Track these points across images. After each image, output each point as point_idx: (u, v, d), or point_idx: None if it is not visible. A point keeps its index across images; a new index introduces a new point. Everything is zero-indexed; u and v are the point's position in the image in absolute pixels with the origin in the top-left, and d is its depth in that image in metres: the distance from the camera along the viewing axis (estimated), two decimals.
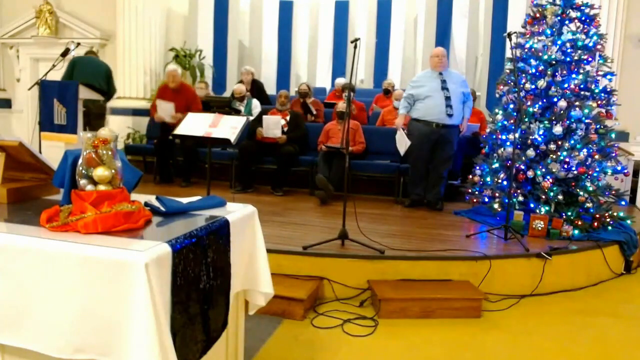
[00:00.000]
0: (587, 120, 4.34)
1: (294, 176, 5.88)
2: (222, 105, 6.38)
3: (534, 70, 4.53)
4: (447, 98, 4.83)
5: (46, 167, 1.99)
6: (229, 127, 3.88)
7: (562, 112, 4.33)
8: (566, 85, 4.36)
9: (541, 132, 4.38)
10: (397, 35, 8.82)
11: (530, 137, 4.42)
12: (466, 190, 5.01)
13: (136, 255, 1.29)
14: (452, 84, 4.90)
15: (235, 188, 5.71)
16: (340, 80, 7.75)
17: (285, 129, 5.78)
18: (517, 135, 4.20)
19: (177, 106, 5.87)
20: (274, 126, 5.64)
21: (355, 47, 3.62)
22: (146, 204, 1.74)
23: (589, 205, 4.27)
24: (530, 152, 4.37)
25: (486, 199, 4.80)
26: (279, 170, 5.65)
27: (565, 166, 4.23)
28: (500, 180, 4.63)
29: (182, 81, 6.18)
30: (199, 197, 1.95)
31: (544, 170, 4.28)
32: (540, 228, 4.05)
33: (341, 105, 5.72)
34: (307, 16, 9.22)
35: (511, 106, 4.71)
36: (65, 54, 5.45)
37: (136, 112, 7.41)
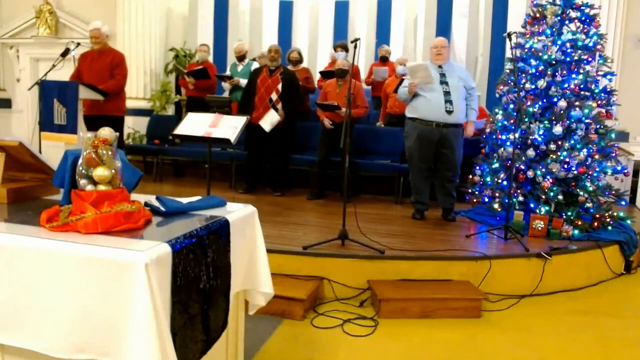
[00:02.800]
0: (587, 120, 4.35)
1: (293, 176, 5.89)
2: (222, 106, 6.38)
3: (534, 70, 4.53)
4: (446, 93, 4.30)
5: (46, 167, 1.99)
6: (229, 127, 3.88)
7: (562, 112, 4.33)
8: (566, 85, 4.37)
9: (541, 132, 4.38)
10: (397, 35, 8.82)
11: (530, 137, 4.42)
12: (466, 190, 5.00)
13: (136, 255, 1.29)
14: (452, 78, 4.37)
15: (238, 189, 5.70)
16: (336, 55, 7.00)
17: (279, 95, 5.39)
18: (517, 135, 4.20)
19: (98, 71, 5.22)
20: (273, 120, 5.27)
21: (355, 47, 3.63)
22: (146, 204, 1.74)
23: (589, 205, 4.28)
24: (530, 152, 4.38)
25: (486, 199, 4.80)
26: (274, 170, 5.63)
27: (565, 166, 4.23)
28: (500, 180, 4.63)
29: (109, 46, 5.51)
30: (199, 197, 1.95)
31: (544, 170, 4.28)
32: (540, 228, 4.05)
33: (340, 63, 5.42)
34: (307, 16, 9.21)
35: (511, 106, 4.71)
36: (65, 54, 5.45)
37: (136, 112, 7.41)
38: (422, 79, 4.30)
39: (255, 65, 6.62)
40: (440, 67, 4.43)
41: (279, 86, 5.32)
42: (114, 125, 5.16)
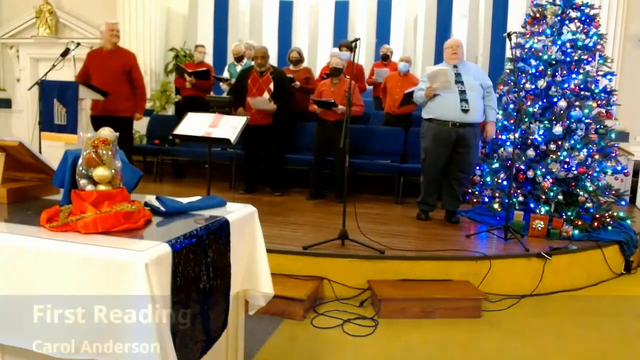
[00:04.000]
0: (587, 120, 4.35)
1: (293, 176, 5.88)
2: (222, 106, 6.39)
3: (534, 70, 4.53)
4: (462, 92, 4.23)
5: (46, 167, 1.98)
6: (229, 127, 3.88)
7: (562, 112, 4.33)
8: (566, 85, 4.37)
9: (541, 132, 4.38)
10: (397, 35, 8.82)
11: (530, 137, 4.42)
12: (466, 190, 5.00)
13: (136, 255, 1.29)
14: (468, 77, 4.31)
15: (239, 189, 5.69)
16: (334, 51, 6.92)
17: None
18: (517, 135, 4.20)
19: (110, 72, 5.17)
20: (263, 105, 5.27)
21: (355, 46, 3.63)
22: (146, 204, 1.74)
23: (589, 205, 4.28)
24: (530, 152, 4.38)
25: (486, 199, 4.80)
26: (271, 169, 5.62)
27: (565, 166, 4.23)
28: (500, 180, 4.63)
29: (118, 44, 5.46)
30: (199, 197, 1.95)
31: (544, 170, 4.28)
32: (540, 228, 4.05)
33: (334, 62, 5.36)
34: (307, 16, 9.22)
35: (511, 106, 4.71)
36: (65, 54, 5.44)
37: None
38: (441, 84, 4.26)
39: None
40: (455, 66, 4.37)
41: (271, 85, 5.31)
42: (124, 126, 5.22)
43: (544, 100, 4.48)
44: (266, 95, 5.27)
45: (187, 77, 6.55)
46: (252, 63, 6.41)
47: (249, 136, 5.34)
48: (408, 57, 6.46)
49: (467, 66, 4.47)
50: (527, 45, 4.65)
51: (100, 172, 1.50)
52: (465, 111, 4.23)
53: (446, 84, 4.25)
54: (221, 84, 6.83)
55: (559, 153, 4.27)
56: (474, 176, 4.96)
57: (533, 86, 4.49)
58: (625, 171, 4.47)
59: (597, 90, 4.43)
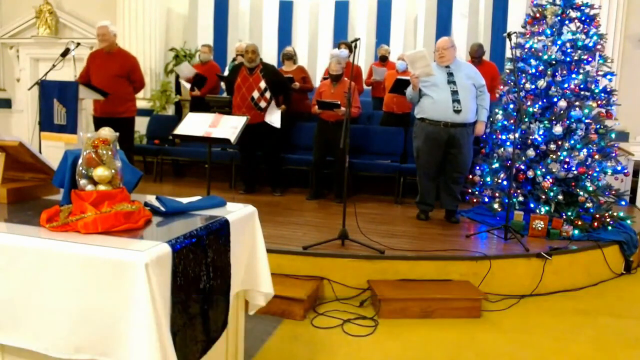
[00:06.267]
0: (587, 120, 4.35)
1: (293, 176, 5.88)
2: (222, 106, 6.39)
3: (534, 70, 4.53)
4: (454, 92, 4.21)
5: (46, 167, 1.98)
6: (229, 127, 3.88)
7: (562, 112, 4.33)
8: (566, 85, 4.36)
9: (541, 132, 4.38)
10: (397, 35, 8.82)
11: (530, 137, 4.42)
12: (466, 190, 5.00)
13: (136, 255, 1.29)
14: (461, 77, 4.28)
15: (239, 189, 5.69)
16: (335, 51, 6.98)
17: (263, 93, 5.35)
18: (517, 135, 4.20)
19: (106, 73, 5.17)
20: (278, 115, 5.38)
21: (355, 47, 3.63)
22: (146, 204, 1.74)
23: (589, 205, 4.28)
24: (530, 152, 4.38)
25: (486, 199, 4.80)
26: (270, 169, 5.62)
27: (565, 166, 4.23)
28: (500, 180, 4.63)
29: (118, 46, 5.44)
30: (199, 197, 1.95)
31: (544, 170, 4.28)
32: (540, 228, 4.05)
33: (334, 68, 5.36)
34: (307, 16, 9.22)
35: (511, 106, 4.71)
36: (65, 54, 5.44)
37: (136, 112, 7.40)
38: (422, 69, 4.21)
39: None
40: (447, 67, 4.34)
41: (261, 84, 5.25)
42: (125, 126, 5.23)
43: (544, 100, 4.48)
44: (274, 113, 5.35)
45: (186, 84, 6.61)
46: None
47: (246, 136, 5.33)
48: (405, 55, 6.46)
49: (460, 66, 4.43)
50: (527, 45, 4.65)
51: (100, 172, 1.51)
52: (457, 112, 4.22)
53: (427, 69, 4.20)
54: (222, 83, 6.85)
55: (559, 153, 4.27)
56: (474, 176, 4.96)
57: (533, 86, 4.49)
58: (625, 171, 4.47)
59: (597, 90, 4.43)
